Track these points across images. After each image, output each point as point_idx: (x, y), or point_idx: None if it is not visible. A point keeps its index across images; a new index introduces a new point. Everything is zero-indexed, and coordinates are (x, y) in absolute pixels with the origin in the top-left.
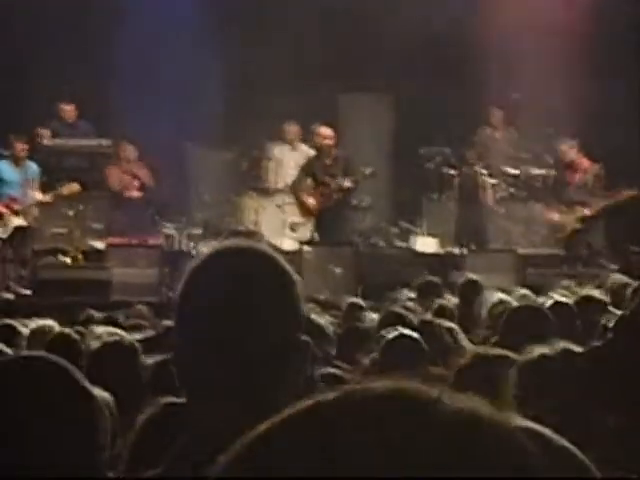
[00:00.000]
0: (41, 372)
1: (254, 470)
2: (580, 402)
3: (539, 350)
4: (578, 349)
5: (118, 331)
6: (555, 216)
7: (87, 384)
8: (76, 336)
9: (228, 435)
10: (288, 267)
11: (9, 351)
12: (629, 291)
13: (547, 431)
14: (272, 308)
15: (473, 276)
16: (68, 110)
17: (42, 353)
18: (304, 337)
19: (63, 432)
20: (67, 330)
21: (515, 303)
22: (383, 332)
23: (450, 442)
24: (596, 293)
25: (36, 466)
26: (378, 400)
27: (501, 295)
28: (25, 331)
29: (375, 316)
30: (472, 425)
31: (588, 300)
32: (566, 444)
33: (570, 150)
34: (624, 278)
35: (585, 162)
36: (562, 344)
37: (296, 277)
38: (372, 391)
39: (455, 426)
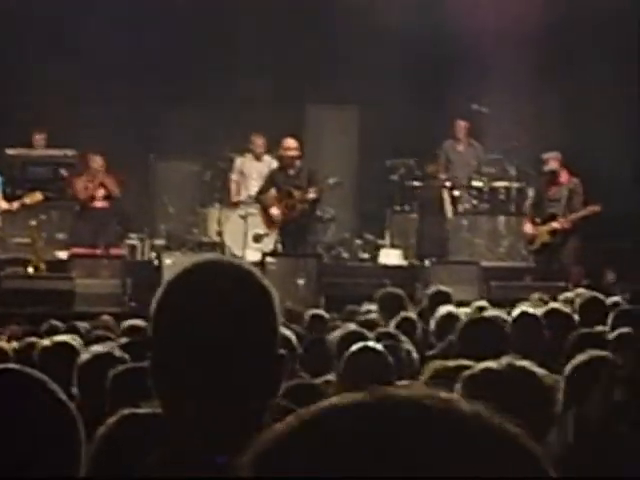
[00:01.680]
0: (15, 385)
1: (272, 473)
2: (522, 418)
3: (484, 364)
4: (523, 363)
5: (66, 339)
6: (528, 227)
7: (63, 396)
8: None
9: (206, 447)
10: (266, 281)
11: None
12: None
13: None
14: (250, 322)
15: (442, 287)
16: (38, 139)
17: (15, 365)
18: (280, 351)
19: (38, 446)
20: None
21: (462, 316)
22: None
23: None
24: (562, 307)
25: None
26: (396, 406)
27: (449, 308)
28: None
29: (339, 327)
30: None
31: (555, 313)
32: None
33: (552, 160)
34: (589, 292)
35: (564, 175)
36: (507, 358)
37: (273, 291)
38: (392, 398)
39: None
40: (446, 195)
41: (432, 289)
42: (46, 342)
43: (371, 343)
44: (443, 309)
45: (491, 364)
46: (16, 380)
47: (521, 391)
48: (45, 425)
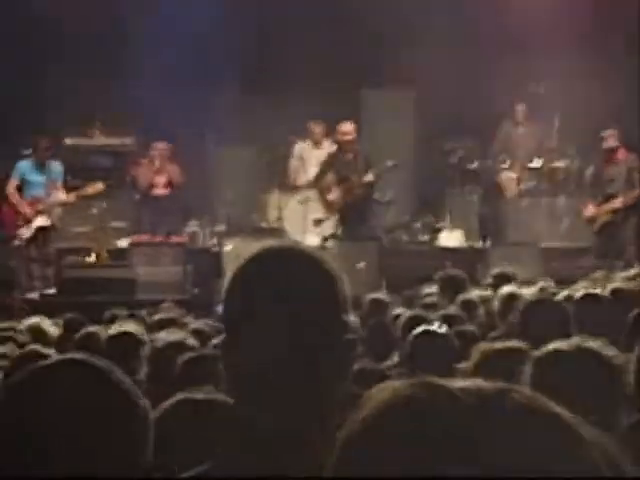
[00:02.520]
0: (80, 375)
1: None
2: (593, 399)
3: (554, 344)
4: (592, 344)
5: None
6: (589, 210)
7: (130, 386)
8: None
9: (276, 437)
10: (333, 266)
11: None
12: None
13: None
14: (319, 307)
15: (506, 269)
16: (94, 129)
17: (81, 355)
18: (350, 335)
19: (104, 437)
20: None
21: (526, 296)
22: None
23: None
24: (626, 285)
25: (76, 473)
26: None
27: (511, 288)
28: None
29: (400, 310)
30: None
31: (620, 292)
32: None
33: (610, 138)
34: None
35: (622, 152)
36: (576, 339)
37: (341, 276)
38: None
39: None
40: (504, 176)
41: (494, 270)
42: (112, 331)
43: (434, 326)
44: (506, 289)
45: (560, 345)
46: (82, 370)
47: (590, 372)
48: (111, 416)
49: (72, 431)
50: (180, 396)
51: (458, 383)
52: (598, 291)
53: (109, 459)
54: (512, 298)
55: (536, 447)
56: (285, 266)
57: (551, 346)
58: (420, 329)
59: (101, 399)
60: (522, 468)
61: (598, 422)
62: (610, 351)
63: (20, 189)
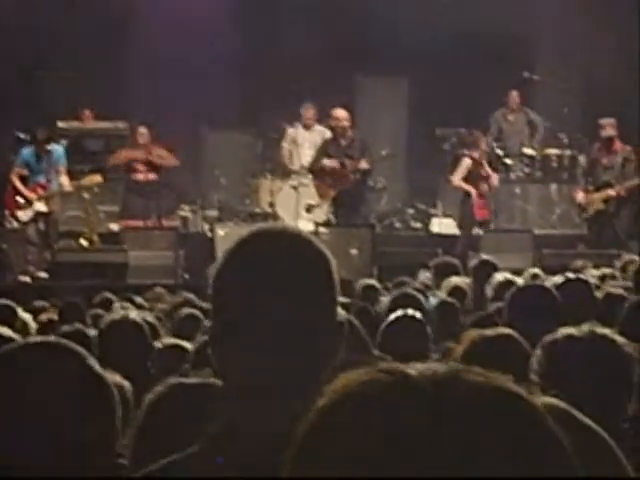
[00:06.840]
0: (53, 358)
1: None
2: (602, 386)
3: (565, 330)
4: (604, 331)
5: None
6: (580, 196)
7: (101, 370)
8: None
9: (264, 422)
10: (324, 248)
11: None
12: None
13: (573, 409)
14: (310, 290)
15: (486, 257)
16: (87, 116)
17: (53, 338)
18: (339, 318)
19: (76, 420)
20: None
21: (521, 283)
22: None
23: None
24: (612, 273)
25: (48, 455)
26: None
27: (507, 275)
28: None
29: (387, 298)
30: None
31: (604, 279)
32: (590, 422)
33: (609, 127)
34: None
35: (618, 143)
36: (587, 326)
37: (331, 258)
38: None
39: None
40: (464, 164)
41: (477, 259)
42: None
43: (410, 311)
44: (500, 276)
45: (572, 330)
46: (53, 353)
47: (602, 359)
48: (80, 398)
49: (45, 414)
50: (172, 380)
51: (414, 367)
52: (583, 277)
53: (76, 441)
54: (507, 284)
55: (497, 431)
56: (275, 248)
57: (562, 331)
58: (395, 315)
59: (72, 381)
60: (483, 456)
61: (603, 410)
62: (620, 338)
63: (23, 176)
